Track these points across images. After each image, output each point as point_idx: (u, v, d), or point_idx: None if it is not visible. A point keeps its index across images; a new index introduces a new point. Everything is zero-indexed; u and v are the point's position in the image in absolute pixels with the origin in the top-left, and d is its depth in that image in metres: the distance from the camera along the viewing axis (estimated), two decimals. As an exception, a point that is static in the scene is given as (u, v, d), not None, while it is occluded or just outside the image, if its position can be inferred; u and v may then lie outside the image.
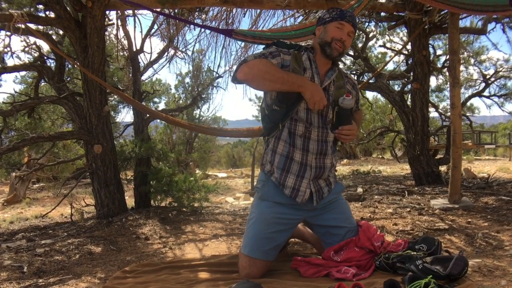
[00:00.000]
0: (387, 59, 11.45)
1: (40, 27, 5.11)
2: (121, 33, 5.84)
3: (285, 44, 2.57)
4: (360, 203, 5.03)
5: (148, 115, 5.34)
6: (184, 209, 4.96)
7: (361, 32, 8.72)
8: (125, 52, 6.11)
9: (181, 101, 15.48)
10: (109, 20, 5.52)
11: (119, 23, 5.61)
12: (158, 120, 8.03)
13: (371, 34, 8.86)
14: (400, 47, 8.10)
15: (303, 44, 2.63)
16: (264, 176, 2.57)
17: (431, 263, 2.17)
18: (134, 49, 5.57)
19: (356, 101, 2.74)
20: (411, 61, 6.56)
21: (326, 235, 2.59)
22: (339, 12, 2.47)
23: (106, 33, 5.50)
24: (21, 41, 5.61)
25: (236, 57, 6.17)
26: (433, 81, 14.10)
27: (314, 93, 2.37)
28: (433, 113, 9.54)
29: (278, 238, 2.50)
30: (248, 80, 2.40)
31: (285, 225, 2.51)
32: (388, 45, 10.07)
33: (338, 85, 2.55)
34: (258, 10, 5.56)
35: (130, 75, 5.90)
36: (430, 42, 6.81)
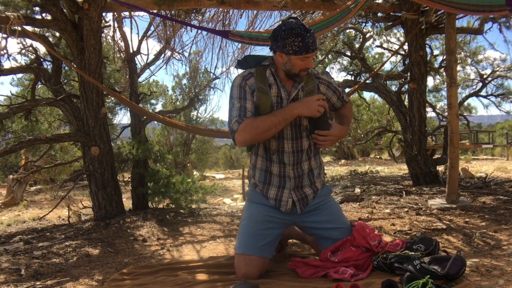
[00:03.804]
0: (384, 59, 11.45)
1: (37, 29, 5.09)
2: (117, 35, 5.82)
3: (253, 59, 2.63)
4: (358, 203, 5.03)
5: (145, 117, 5.34)
6: (181, 210, 4.95)
7: (358, 32, 8.72)
8: (122, 54, 6.09)
9: (178, 103, 15.43)
10: (106, 22, 5.51)
11: (116, 24, 5.61)
12: (156, 122, 8.03)
13: (368, 35, 8.85)
14: (397, 47, 8.09)
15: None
16: (251, 187, 2.69)
17: (429, 263, 2.17)
18: (131, 51, 5.56)
19: (338, 97, 2.73)
20: (408, 61, 6.56)
21: (319, 238, 2.62)
22: (302, 43, 2.34)
23: (103, 35, 5.49)
24: (18, 43, 5.61)
25: (233, 58, 6.16)
26: (430, 81, 14.11)
27: (309, 108, 2.41)
28: (430, 113, 9.53)
29: (270, 234, 2.54)
30: (249, 143, 2.50)
31: (275, 223, 2.57)
32: (385, 45, 10.05)
33: (308, 90, 2.55)
34: (255, 11, 5.56)
35: (127, 77, 5.89)
36: (427, 42, 6.81)
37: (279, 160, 2.55)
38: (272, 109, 2.46)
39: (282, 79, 2.52)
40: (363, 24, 7.87)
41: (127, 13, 5.44)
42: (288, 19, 2.46)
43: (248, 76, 2.52)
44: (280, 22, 2.51)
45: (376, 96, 12.69)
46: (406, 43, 6.20)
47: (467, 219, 3.83)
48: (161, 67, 6.55)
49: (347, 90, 8.50)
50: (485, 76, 9.81)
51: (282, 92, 2.50)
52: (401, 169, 11.00)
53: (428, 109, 7.68)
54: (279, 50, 2.42)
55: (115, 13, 5.33)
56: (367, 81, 7.25)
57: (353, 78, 9.30)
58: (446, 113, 5.18)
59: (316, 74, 2.65)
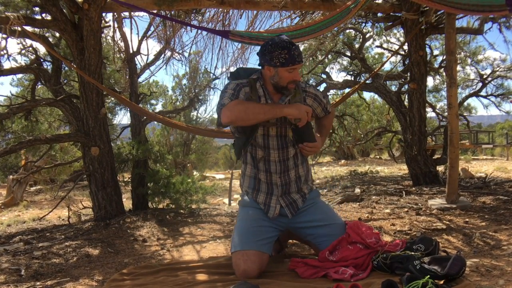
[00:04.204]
0: (384, 59, 11.44)
1: (37, 29, 5.09)
2: (117, 35, 5.81)
3: (245, 72, 2.76)
4: (358, 203, 5.04)
5: (145, 117, 5.33)
6: (181, 211, 4.95)
7: (358, 33, 8.72)
8: (121, 54, 6.09)
9: (178, 103, 15.41)
10: (106, 22, 5.51)
11: (116, 25, 5.60)
12: (155, 122, 8.03)
13: (368, 35, 8.85)
14: (397, 47, 8.09)
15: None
16: (243, 194, 2.81)
17: (429, 263, 2.17)
18: (131, 51, 5.56)
19: (323, 108, 2.87)
20: (408, 61, 6.56)
21: (315, 237, 2.67)
22: (288, 55, 2.48)
23: (103, 35, 5.49)
24: (18, 43, 5.60)
25: (233, 59, 6.16)
26: (430, 81, 14.10)
27: (299, 109, 2.50)
28: (430, 113, 9.51)
29: (266, 231, 2.59)
30: (233, 121, 2.53)
31: (269, 222, 2.64)
32: (385, 45, 10.04)
33: (294, 102, 2.66)
34: (255, 11, 5.56)
35: (127, 77, 5.88)
36: (427, 42, 6.81)
37: (265, 169, 2.67)
38: None
39: (270, 92, 2.64)
40: (363, 24, 7.87)
41: (127, 13, 5.43)
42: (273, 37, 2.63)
43: (244, 83, 2.64)
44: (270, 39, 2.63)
45: (376, 96, 12.68)
46: (406, 43, 6.20)
47: (467, 219, 3.83)
48: (161, 68, 6.54)
49: (347, 90, 8.52)
50: (485, 76, 9.80)
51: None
52: (401, 169, 11.00)
53: (428, 109, 7.67)
54: (267, 63, 2.55)
55: (115, 14, 5.33)
56: (367, 81, 7.25)
57: (353, 78, 9.30)
58: (446, 113, 5.18)
59: (303, 88, 2.77)
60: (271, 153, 2.64)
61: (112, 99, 10.39)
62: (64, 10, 4.45)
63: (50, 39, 5.69)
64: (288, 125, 2.64)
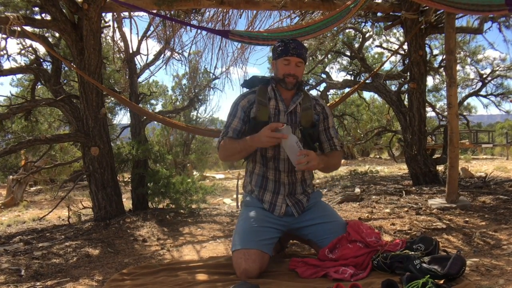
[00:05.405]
0: (384, 59, 11.43)
1: (36, 29, 5.09)
2: (117, 35, 5.81)
3: (257, 79, 2.82)
4: (358, 203, 5.03)
5: (145, 117, 5.34)
6: (181, 211, 4.95)
7: (357, 32, 8.72)
8: (121, 54, 6.09)
9: (178, 103, 15.39)
10: (105, 22, 5.51)
11: (115, 25, 5.60)
12: (155, 122, 8.03)
13: (367, 35, 8.85)
14: (396, 47, 8.09)
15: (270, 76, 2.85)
16: (246, 194, 2.84)
17: (429, 263, 2.17)
18: (131, 51, 5.56)
19: (326, 128, 2.82)
20: (407, 61, 6.56)
21: (315, 235, 2.68)
22: (283, 47, 2.62)
23: (102, 35, 5.49)
24: (17, 43, 5.59)
25: (233, 59, 6.16)
26: (430, 81, 14.10)
27: (261, 143, 2.50)
28: (430, 113, 9.51)
29: (268, 232, 2.60)
30: (225, 160, 2.79)
31: (271, 223, 2.65)
32: (384, 45, 10.04)
33: (304, 107, 2.74)
34: (254, 11, 5.56)
35: (127, 77, 5.89)
36: (427, 42, 6.82)
37: (274, 167, 2.71)
38: (269, 119, 2.65)
39: (282, 93, 2.71)
40: (363, 24, 7.86)
41: (126, 13, 5.43)
42: None
43: (248, 93, 2.74)
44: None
45: (376, 96, 12.68)
46: (406, 43, 6.21)
47: (467, 219, 3.83)
48: (160, 67, 6.55)
49: (346, 89, 8.51)
50: (484, 76, 9.80)
51: (280, 105, 2.69)
52: (401, 169, 11.00)
53: (428, 109, 7.69)
54: (272, 58, 2.74)
55: (115, 13, 5.33)
56: (367, 81, 7.25)
57: (352, 78, 9.30)
58: (446, 113, 5.18)
59: (313, 97, 2.85)
60: (281, 152, 2.68)
61: (112, 99, 10.39)
62: (64, 10, 4.44)
63: (50, 39, 5.69)
64: (298, 125, 2.70)
